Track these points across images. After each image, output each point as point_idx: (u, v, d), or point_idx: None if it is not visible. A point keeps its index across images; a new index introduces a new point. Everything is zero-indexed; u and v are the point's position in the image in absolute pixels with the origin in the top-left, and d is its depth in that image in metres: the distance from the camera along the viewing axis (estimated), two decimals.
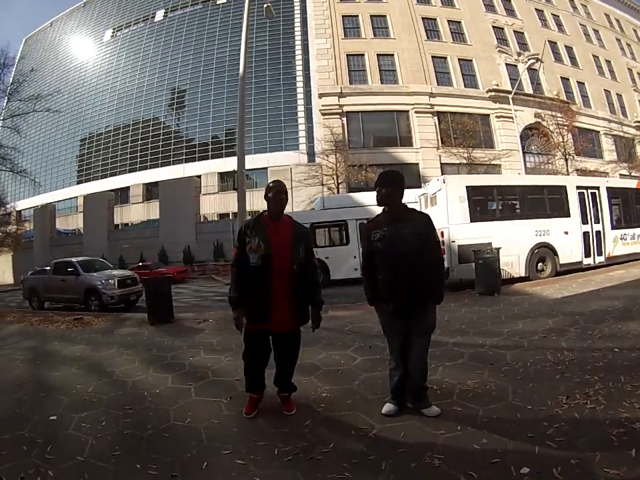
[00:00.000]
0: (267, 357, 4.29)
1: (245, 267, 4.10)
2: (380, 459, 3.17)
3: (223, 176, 38.96)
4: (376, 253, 4.00)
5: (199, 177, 39.32)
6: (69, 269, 15.39)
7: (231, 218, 34.84)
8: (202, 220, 38.00)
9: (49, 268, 16.99)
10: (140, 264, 28.18)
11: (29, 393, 5.53)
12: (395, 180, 4.06)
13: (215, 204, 38.52)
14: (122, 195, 43.55)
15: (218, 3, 46.41)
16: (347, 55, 34.14)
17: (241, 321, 4.10)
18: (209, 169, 39.80)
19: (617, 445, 3.05)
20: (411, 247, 3.82)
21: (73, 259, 16.26)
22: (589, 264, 13.92)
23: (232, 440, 3.72)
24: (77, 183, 48.67)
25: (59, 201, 48.25)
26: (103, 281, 14.33)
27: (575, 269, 13.40)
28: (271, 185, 4.31)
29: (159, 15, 49.31)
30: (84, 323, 10.84)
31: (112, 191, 43.03)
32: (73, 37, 55.14)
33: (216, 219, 38.24)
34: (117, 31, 52.06)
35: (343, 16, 35.31)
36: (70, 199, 47.86)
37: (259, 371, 4.28)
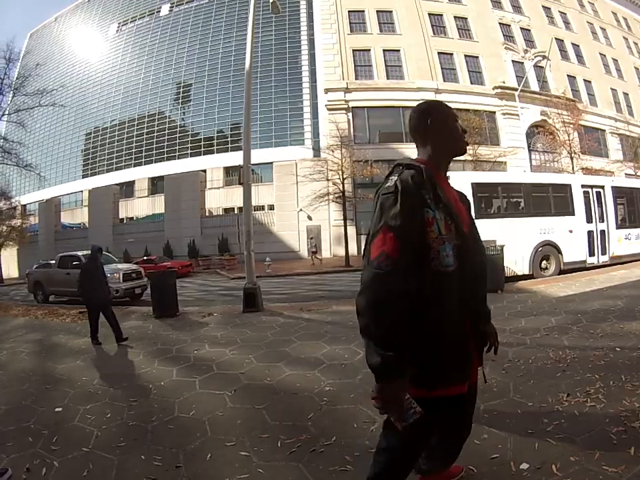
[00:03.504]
0: None
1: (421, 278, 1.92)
2: None
3: (228, 170, 38.86)
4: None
5: (204, 171, 39.20)
6: (74, 263, 15.41)
7: (236, 212, 34.82)
8: (207, 214, 37.96)
9: (53, 262, 17.06)
10: (145, 258, 28.22)
11: (35, 385, 5.58)
12: None
13: (220, 198, 38.45)
14: (127, 189, 43.49)
15: None
16: (353, 50, 34.16)
17: (403, 395, 1.91)
18: (214, 163, 39.65)
19: (616, 443, 3.06)
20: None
21: (79, 253, 16.30)
22: (593, 263, 13.91)
23: (236, 432, 3.75)
24: (82, 177, 48.59)
25: (63, 195, 48.22)
26: (108, 275, 14.33)
27: (579, 267, 13.39)
28: (433, 104, 2.28)
29: (165, 9, 49.14)
30: None
31: (117, 185, 42.93)
32: (78, 31, 54.93)
33: (221, 213, 38.17)
34: (122, 25, 51.91)
35: (349, 11, 35.33)
36: (75, 193, 47.80)
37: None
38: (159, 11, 49.61)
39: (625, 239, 14.92)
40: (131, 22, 51.40)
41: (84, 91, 51.22)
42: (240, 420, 4.03)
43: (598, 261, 14.06)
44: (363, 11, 35.39)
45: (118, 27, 52.31)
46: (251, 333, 7.76)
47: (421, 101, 2.37)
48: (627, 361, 4.76)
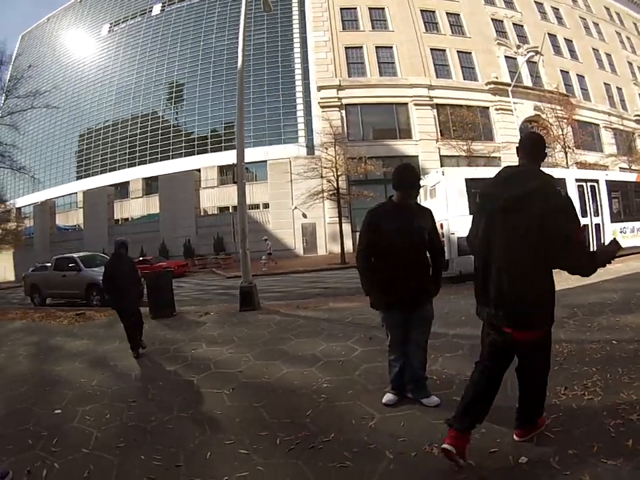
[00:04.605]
0: None
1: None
2: (380, 448, 3.21)
3: (222, 169, 38.83)
4: (384, 243, 3.87)
5: (199, 170, 39.22)
6: (70, 265, 15.40)
7: (230, 211, 34.81)
8: (202, 214, 37.98)
9: (49, 264, 17.03)
10: (140, 258, 28.18)
11: (34, 387, 5.59)
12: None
13: (214, 197, 38.46)
14: (121, 190, 43.39)
15: None
16: (346, 48, 34.17)
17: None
18: (208, 162, 39.62)
19: (614, 435, 3.08)
20: (420, 239, 3.88)
21: (74, 255, 16.27)
22: None
23: (235, 430, 3.77)
24: (77, 179, 48.44)
25: (58, 197, 48.13)
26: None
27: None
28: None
29: (156, 9, 49.00)
30: (86, 318, 10.89)
31: (111, 186, 42.92)
32: (70, 32, 54.73)
33: (216, 212, 38.19)
34: (114, 25, 51.74)
35: (341, 8, 35.33)
36: (69, 194, 47.69)
37: None
38: (151, 11, 49.52)
39: (620, 232, 14.96)
40: (122, 22, 51.30)
41: (77, 92, 51.12)
42: (239, 418, 4.04)
43: None
44: (355, 8, 35.37)
45: (110, 27, 52.19)
46: (247, 331, 7.75)
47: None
48: (624, 354, 4.77)
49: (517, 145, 3.17)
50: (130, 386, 5.33)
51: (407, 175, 3.95)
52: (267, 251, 25.40)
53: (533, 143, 3.15)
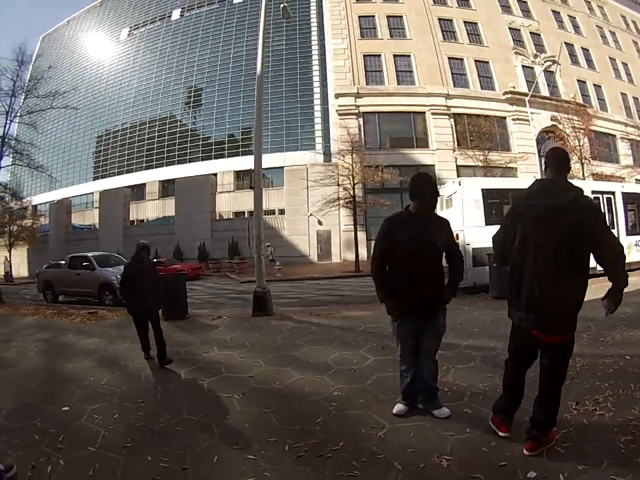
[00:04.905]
0: None
1: None
2: (389, 459, 3.20)
3: (239, 174, 38.91)
4: (399, 252, 3.85)
5: (215, 175, 39.39)
6: (84, 264, 15.55)
7: (246, 216, 34.77)
8: (217, 218, 38.07)
9: (63, 262, 17.17)
10: (155, 260, 28.30)
11: (43, 383, 5.63)
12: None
13: (230, 202, 38.54)
14: (138, 192, 43.60)
15: (234, 2, 46.32)
16: (364, 56, 34.28)
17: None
18: (225, 167, 39.74)
19: (624, 452, 3.05)
20: (436, 249, 3.87)
21: (89, 254, 16.40)
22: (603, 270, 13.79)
23: (243, 435, 3.76)
24: (93, 179, 48.80)
25: (74, 197, 48.48)
26: (118, 276, 14.26)
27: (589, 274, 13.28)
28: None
29: (176, 14, 49.36)
30: (98, 317, 10.96)
31: (128, 187, 43.22)
32: (90, 35, 55.25)
33: (231, 217, 38.27)
34: (134, 29, 52.16)
35: (359, 16, 35.44)
36: (86, 194, 48.03)
37: None
38: (170, 16, 49.89)
39: (635, 245, 14.82)
40: (142, 26, 51.73)
41: (96, 94, 51.57)
42: (248, 423, 4.03)
43: None
44: (373, 16, 35.47)
45: (129, 31, 52.65)
46: (260, 336, 7.74)
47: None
48: (637, 370, 4.73)
49: (544, 161, 3.43)
50: (139, 387, 5.33)
51: (422, 185, 3.95)
52: (268, 257, 25.16)
53: (560, 158, 3.34)
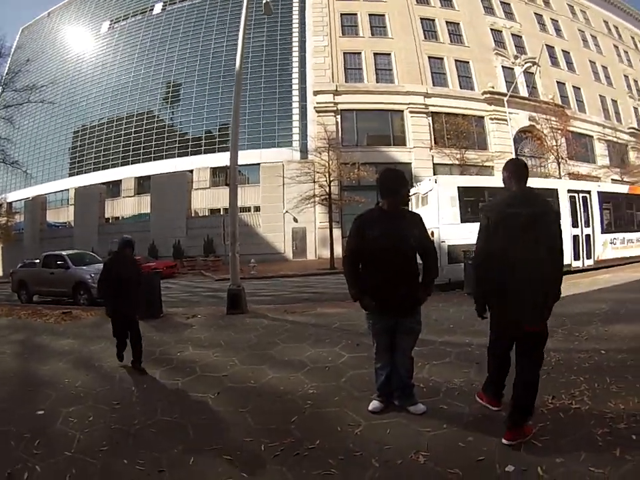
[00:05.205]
0: None
1: None
2: (366, 456, 3.20)
3: (214, 171, 38.76)
4: (370, 249, 3.85)
5: (191, 171, 39.15)
6: (58, 262, 15.30)
7: (222, 213, 34.65)
8: (193, 215, 37.81)
9: (38, 261, 16.87)
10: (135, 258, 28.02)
11: (17, 387, 5.51)
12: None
13: (206, 199, 38.36)
14: (113, 189, 43.15)
15: None
16: (344, 53, 34.35)
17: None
18: (201, 163, 39.54)
19: (601, 444, 3.09)
20: (408, 246, 3.84)
21: (63, 252, 16.16)
22: (578, 267, 14.06)
23: (219, 436, 3.72)
24: (69, 176, 48.14)
25: (50, 193, 47.85)
26: (93, 275, 13.84)
27: (564, 271, 13.47)
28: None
29: (158, 8, 48.91)
30: (73, 317, 10.76)
31: (104, 184, 42.66)
32: (70, 28, 54.46)
33: (207, 214, 38.09)
34: (115, 23, 51.55)
35: (341, 14, 35.56)
36: (61, 191, 47.41)
37: None
38: (152, 10, 49.47)
39: (611, 243, 15.10)
40: (123, 20, 51.19)
41: (74, 88, 50.92)
42: (223, 423, 4.00)
43: (583, 265, 14.25)
44: (356, 14, 35.58)
45: (110, 24, 52.07)
46: (234, 334, 7.71)
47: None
48: (612, 364, 4.81)
49: (506, 170, 3.73)
50: (114, 388, 5.24)
51: (391, 180, 3.98)
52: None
53: (523, 168, 3.71)
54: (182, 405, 4.52)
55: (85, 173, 46.57)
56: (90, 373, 5.93)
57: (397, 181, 3.96)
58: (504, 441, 3.20)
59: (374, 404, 4.03)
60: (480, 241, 3.63)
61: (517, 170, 3.65)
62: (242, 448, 3.46)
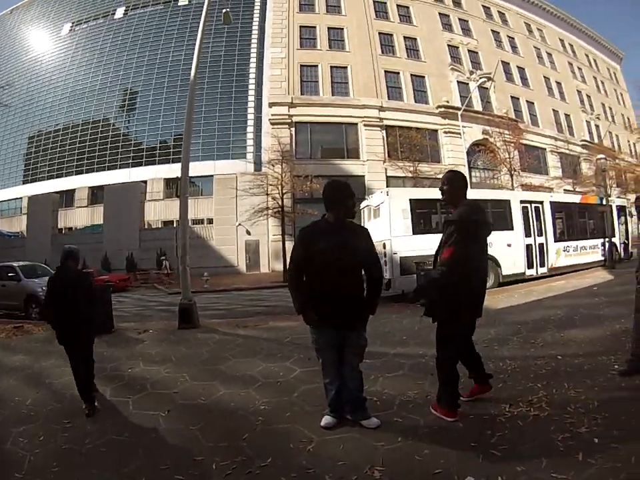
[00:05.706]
0: None
1: None
2: (320, 473, 3.16)
3: (168, 182, 38.41)
4: (314, 262, 3.83)
5: (145, 182, 38.61)
6: (9, 274, 14.82)
7: (174, 226, 34.13)
8: (146, 227, 37.18)
9: None
10: (82, 271, 27.31)
11: None
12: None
13: (159, 211, 37.90)
14: (67, 198, 42.20)
15: (179, 4, 45.93)
16: (301, 66, 34.36)
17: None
18: (155, 174, 39.13)
19: (562, 450, 3.13)
20: (354, 259, 3.82)
21: (14, 263, 15.67)
22: (532, 275, 14.39)
23: (170, 454, 3.67)
24: (23, 183, 46.97)
25: (2, 201, 46.51)
26: (44, 288, 13.61)
27: (518, 279, 13.79)
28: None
29: (119, 12, 48.34)
30: (24, 332, 10.48)
31: (57, 193, 41.59)
32: (31, 27, 53.25)
33: (160, 226, 37.55)
34: (76, 25, 50.56)
35: (300, 26, 35.59)
36: (15, 199, 46.13)
37: None
38: (114, 14, 48.79)
39: (564, 251, 15.53)
40: (84, 22, 50.40)
41: (30, 92, 49.79)
42: (174, 442, 3.94)
43: (537, 273, 14.57)
44: (315, 27, 35.72)
45: (71, 26, 51.15)
46: (186, 350, 7.60)
47: None
48: (569, 369, 4.92)
49: (446, 188, 4.09)
50: (65, 406, 5.12)
51: (336, 192, 3.99)
52: (164, 271, 27.00)
53: (465, 179, 4.13)
54: (132, 423, 4.43)
55: (39, 180, 45.48)
56: (40, 391, 5.78)
57: (342, 192, 3.94)
58: (462, 397, 4.12)
59: (326, 419, 3.99)
60: (473, 252, 3.99)
61: (458, 180, 4.17)
62: (194, 467, 3.41)
